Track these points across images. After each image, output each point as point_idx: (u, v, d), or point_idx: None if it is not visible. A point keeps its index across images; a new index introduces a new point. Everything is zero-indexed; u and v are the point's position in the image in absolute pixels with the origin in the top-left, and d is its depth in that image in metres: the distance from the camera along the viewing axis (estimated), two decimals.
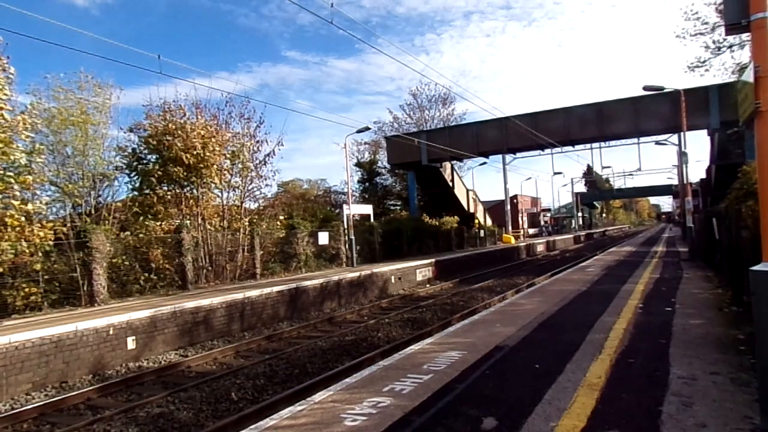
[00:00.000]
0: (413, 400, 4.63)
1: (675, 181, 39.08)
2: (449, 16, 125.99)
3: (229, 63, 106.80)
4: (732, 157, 24.52)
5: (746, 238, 7.61)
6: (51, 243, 12.22)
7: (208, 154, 17.35)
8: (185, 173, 17.19)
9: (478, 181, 77.38)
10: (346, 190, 30.41)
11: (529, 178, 56.75)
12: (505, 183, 37.57)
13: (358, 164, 45.08)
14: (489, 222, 44.77)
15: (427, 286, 20.39)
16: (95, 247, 12.30)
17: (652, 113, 28.66)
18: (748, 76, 3.98)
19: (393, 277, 19.26)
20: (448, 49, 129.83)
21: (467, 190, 42.43)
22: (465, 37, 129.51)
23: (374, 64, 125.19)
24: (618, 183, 74.52)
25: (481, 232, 37.41)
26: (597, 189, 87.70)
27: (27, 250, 11.47)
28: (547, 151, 35.65)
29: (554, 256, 35.56)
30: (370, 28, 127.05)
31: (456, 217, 34.56)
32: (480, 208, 44.59)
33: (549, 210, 71.88)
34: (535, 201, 67.21)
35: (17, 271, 11.47)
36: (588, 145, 35.68)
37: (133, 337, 9.87)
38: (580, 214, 73.81)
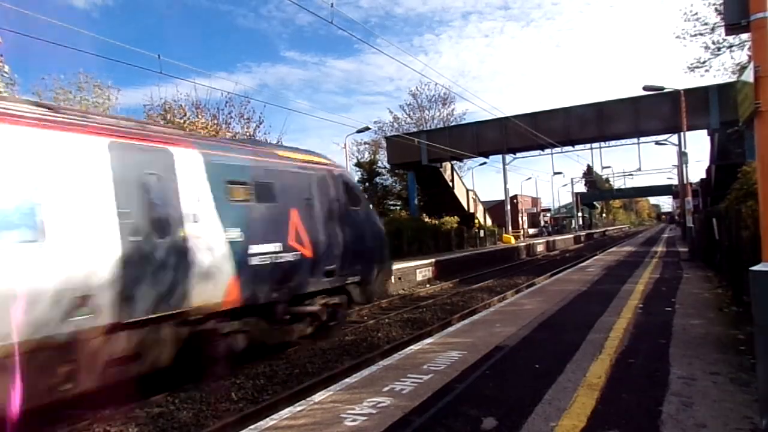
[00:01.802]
0: (413, 400, 4.63)
1: (675, 181, 39.07)
2: (447, 17, 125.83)
3: (229, 63, 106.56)
4: (732, 157, 24.50)
5: (746, 238, 7.61)
6: None
7: None
8: None
9: (478, 181, 77.36)
10: None
11: (529, 178, 56.76)
12: (505, 183, 37.61)
13: (358, 164, 45.09)
14: (489, 222, 44.77)
15: (427, 286, 20.37)
16: None
17: (652, 113, 28.66)
18: (748, 76, 3.98)
19: (393, 277, 19.25)
20: (447, 49, 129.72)
21: (467, 190, 42.43)
22: (463, 37, 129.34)
23: (373, 65, 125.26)
24: (618, 183, 74.46)
25: (481, 232, 37.42)
26: (597, 189, 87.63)
27: None
28: (547, 151, 35.67)
29: (554, 256, 35.55)
30: (369, 28, 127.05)
31: (456, 217, 34.56)
32: (480, 208, 44.59)
33: (549, 210, 71.88)
34: (535, 201, 67.20)
35: None
36: (588, 145, 35.69)
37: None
38: (580, 214, 73.80)
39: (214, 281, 7.21)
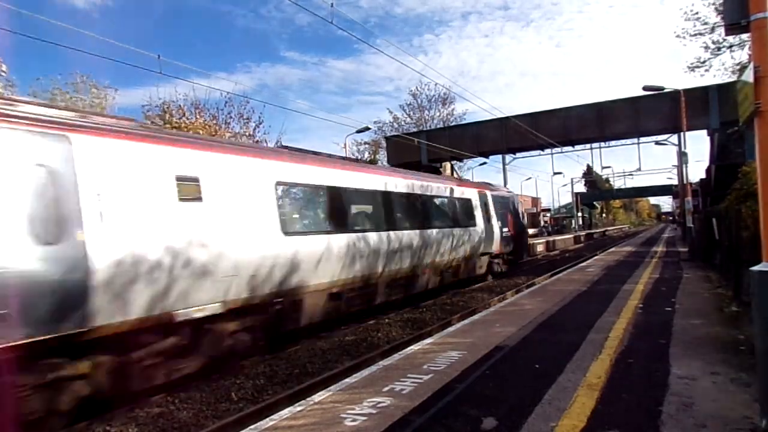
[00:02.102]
0: (413, 400, 4.64)
1: (675, 181, 39.01)
2: (447, 17, 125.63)
3: (228, 63, 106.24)
4: (732, 157, 24.45)
5: (746, 238, 7.62)
6: None
7: None
8: None
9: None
10: None
11: (529, 178, 56.81)
12: (505, 183, 37.47)
13: None
14: None
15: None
16: None
17: (652, 113, 28.61)
18: (748, 76, 3.98)
19: None
20: (447, 49, 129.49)
21: None
22: (463, 37, 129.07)
23: (373, 65, 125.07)
24: (618, 183, 74.41)
25: None
26: (597, 189, 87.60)
27: None
28: (547, 151, 35.57)
29: (554, 256, 35.50)
30: (369, 28, 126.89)
31: None
32: None
33: (549, 210, 71.87)
34: (535, 201, 67.19)
35: None
36: (588, 145, 35.61)
37: None
38: (580, 214, 73.71)
39: (494, 242, 17.84)
